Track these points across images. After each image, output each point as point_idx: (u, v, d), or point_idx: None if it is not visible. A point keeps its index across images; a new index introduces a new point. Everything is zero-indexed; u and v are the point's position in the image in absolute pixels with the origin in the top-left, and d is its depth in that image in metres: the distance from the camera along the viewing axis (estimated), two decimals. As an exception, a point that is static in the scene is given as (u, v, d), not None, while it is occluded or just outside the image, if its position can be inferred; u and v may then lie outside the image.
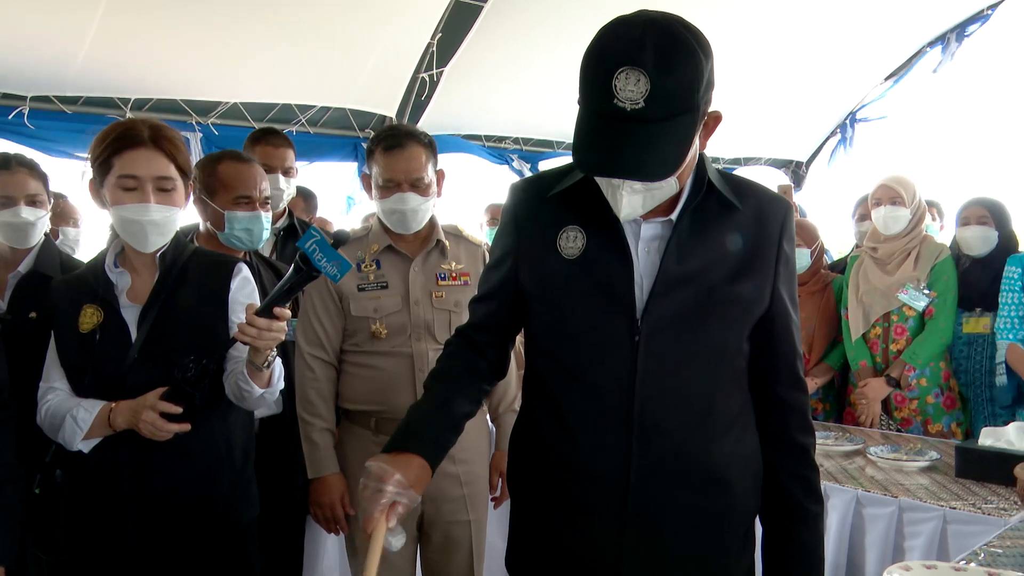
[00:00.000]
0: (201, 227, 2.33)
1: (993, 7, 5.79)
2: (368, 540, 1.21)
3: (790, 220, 1.37)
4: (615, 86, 1.11)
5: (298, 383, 2.19)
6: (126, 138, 1.70)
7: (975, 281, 3.13)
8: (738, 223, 1.32)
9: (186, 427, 1.64)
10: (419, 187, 2.17)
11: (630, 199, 1.22)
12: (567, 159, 1.31)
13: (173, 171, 1.74)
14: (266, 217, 2.29)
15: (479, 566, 2.28)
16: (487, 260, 1.69)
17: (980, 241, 3.16)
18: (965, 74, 6.24)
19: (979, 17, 5.90)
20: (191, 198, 1.84)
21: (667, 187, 1.24)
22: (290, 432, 2.23)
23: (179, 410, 1.64)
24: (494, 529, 2.48)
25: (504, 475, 2.33)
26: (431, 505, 2.20)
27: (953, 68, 6.09)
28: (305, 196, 3.77)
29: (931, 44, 6.12)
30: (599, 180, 1.26)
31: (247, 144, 2.87)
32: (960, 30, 5.95)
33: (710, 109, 1.22)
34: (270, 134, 2.91)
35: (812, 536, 1.41)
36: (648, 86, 1.10)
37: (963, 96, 6.69)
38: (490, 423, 2.46)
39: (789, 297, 1.37)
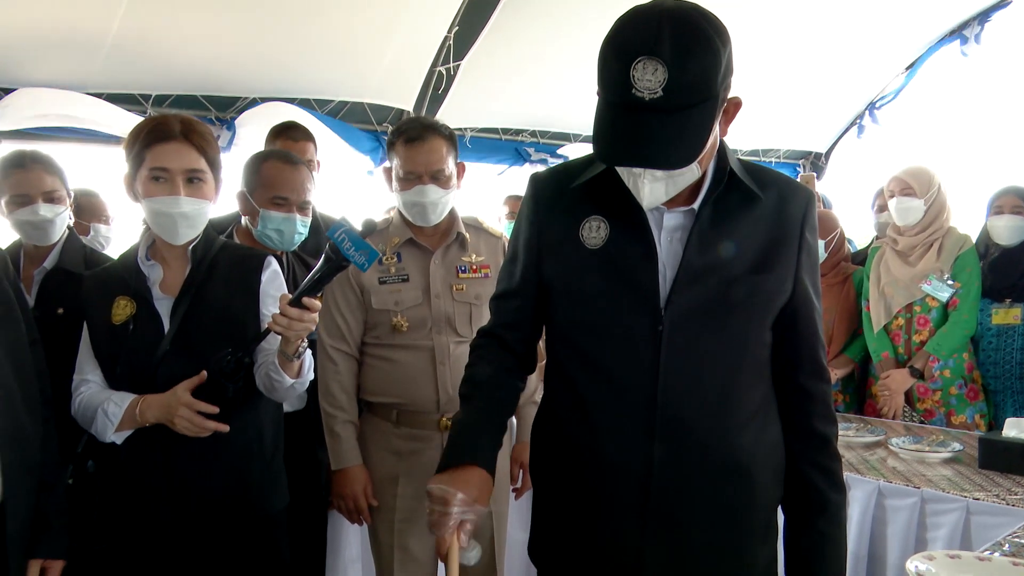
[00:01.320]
0: (242, 221, 2.35)
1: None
2: (445, 561, 1.23)
3: (812, 209, 1.36)
4: (633, 76, 1.11)
5: (320, 376, 2.20)
6: (158, 132, 1.73)
7: (1005, 272, 3.10)
8: (760, 212, 1.32)
9: (224, 428, 1.67)
10: (439, 179, 2.18)
11: (652, 187, 1.23)
12: (583, 150, 1.31)
13: (203, 164, 1.77)
14: (301, 221, 2.27)
15: (500, 556, 2.30)
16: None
17: (1013, 231, 3.11)
18: (987, 61, 6.16)
19: (1002, 4, 5.83)
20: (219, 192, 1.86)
21: (689, 173, 1.24)
22: (314, 426, 2.26)
23: (215, 410, 1.66)
24: (514, 520, 2.50)
25: (525, 466, 2.35)
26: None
27: (974, 55, 6.02)
28: None
29: (952, 33, 6.05)
30: (620, 170, 1.26)
31: (268, 139, 2.89)
32: (982, 18, 5.88)
33: (730, 95, 1.22)
34: (290, 128, 2.91)
35: (834, 526, 1.40)
36: (666, 75, 1.10)
37: (985, 83, 6.61)
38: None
39: (812, 286, 1.37)
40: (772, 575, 1.42)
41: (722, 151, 1.31)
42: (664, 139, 1.14)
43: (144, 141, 1.73)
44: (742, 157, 1.40)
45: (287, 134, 2.85)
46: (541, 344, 1.50)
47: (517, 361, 1.45)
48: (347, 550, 2.71)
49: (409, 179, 2.18)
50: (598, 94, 1.19)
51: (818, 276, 1.40)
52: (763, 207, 1.32)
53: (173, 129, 1.74)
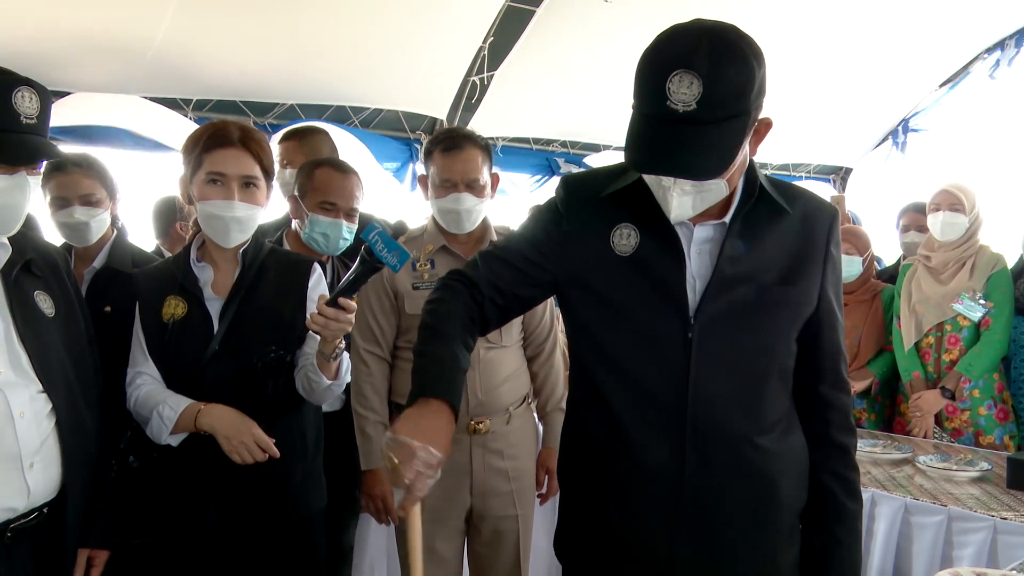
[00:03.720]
0: (293, 225, 2.42)
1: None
2: (407, 528, 1.23)
3: (837, 225, 1.40)
4: (668, 89, 1.15)
5: (353, 378, 2.24)
6: (217, 137, 1.79)
7: None
8: (787, 227, 1.35)
9: (277, 454, 1.72)
10: (474, 188, 2.23)
11: (680, 200, 1.26)
12: (612, 159, 1.34)
13: (258, 171, 1.83)
14: (347, 227, 2.35)
15: (526, 560, 2.33)
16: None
17: None
18: (1020, 81, 6.08)
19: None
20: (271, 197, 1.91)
21: (716, 190, 1.27)
22: (350, 428, 2.30)
23: (272, 443, 1.72)
24: (538, 526, 2.52)
25: (551, 472, 2.37)
26: (480, 500, 2.25)
27: (1011, 75, 5.95)
28: None
29: (988, 51, 5.99)
30: (650, 182, 1.30)
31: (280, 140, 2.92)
32: (1019, 36, 5.82)
33: (761, 115, 1.25)
34: (305, 132, 2.93)
35: (849, 535, 1.44)
36: (701, 89, 1.14)
37: (1019, 104, 6.52)
38: (537, 420, 2.50)
39: (836, 299, 1.40)
40: None
41: (751, 168, 1.34)
42: (696, 150, 1.17)
43: (204, 146, 1.79)
44: (772, 171, 1.43)
45: (299, 137, 2.86)
46: (567, 352, 1.51)
47: (480, 317, 1.39)
48: (373, 547, 2.76)
49: (445, 187, 2.23)
50: (633, 106, 1.23)
51: (840, 289, 1.43)
52: (790, 221, 1.36)
53: (232, 135, 1.80)
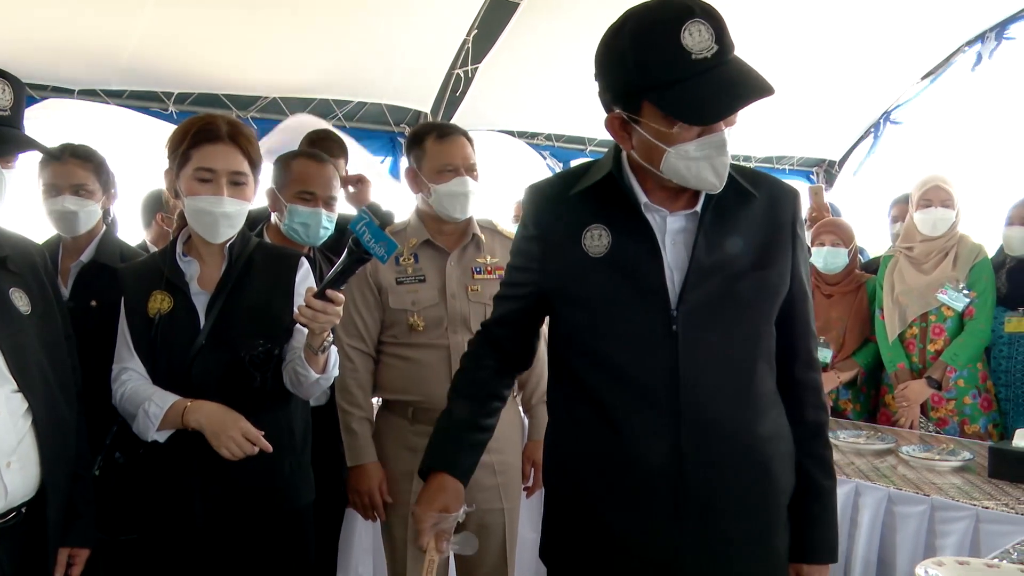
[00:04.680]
0: (272, 218, 2.42)
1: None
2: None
3: (799, 205, 1.43)
4: (686, 45, 1.17)
5: (338, 374, 2.24)
6: (205, 132, 1.77)
7: (1020, 281, 3.11)
8: (755, 211, 1.37)
9: (268, 448, 1.72)
10: (472, 174, 2.25)
11: (720, 161, 1.26)
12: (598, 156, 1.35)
13: (246, 167, 1.81)
14: (327, 216, 2.35)
15: (511, 554, 2.32)
16: None
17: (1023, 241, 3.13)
18: (1004, 74, 6.12)
19: (1020, 16, 5.79)
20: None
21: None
22: (332, 423, 2.29)
23: (261, 436, 1.72)
24: (524, 519, 2.52)
25: (537, 465, 2.37)
26: (466, 493, 2.24)
27: (991, 68, 6.00)
28: None
29: (969, 43, 6.03)
30: (686, 158, 1.25)
31: (302, 144, 2.98)
32: (1000, 29, 5.86)
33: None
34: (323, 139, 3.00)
35: (824, 510, 1.47)
36: (711, 31, 1.18)
37: (1001, 97, 6.57)
38: (522, 413, 2.50)
39: (806, 277, 1.44)
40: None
41: None
42: (747, 73, 1.21)
43: (192, 141, 1.77)
44: (756, 163, 1.45)
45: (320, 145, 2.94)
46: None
47: (506, 361, 1.52)
48: (359, 543, 2.75)
49: (447, 171, 2.23)
50: (654, 88, 1.21)
51: (808, 270, 1.46)
52: (757, 205, 1.38)
53: (221, 131, 1.78)
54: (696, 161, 1.26)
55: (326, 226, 2.36)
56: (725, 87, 1.20)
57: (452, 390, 1.51)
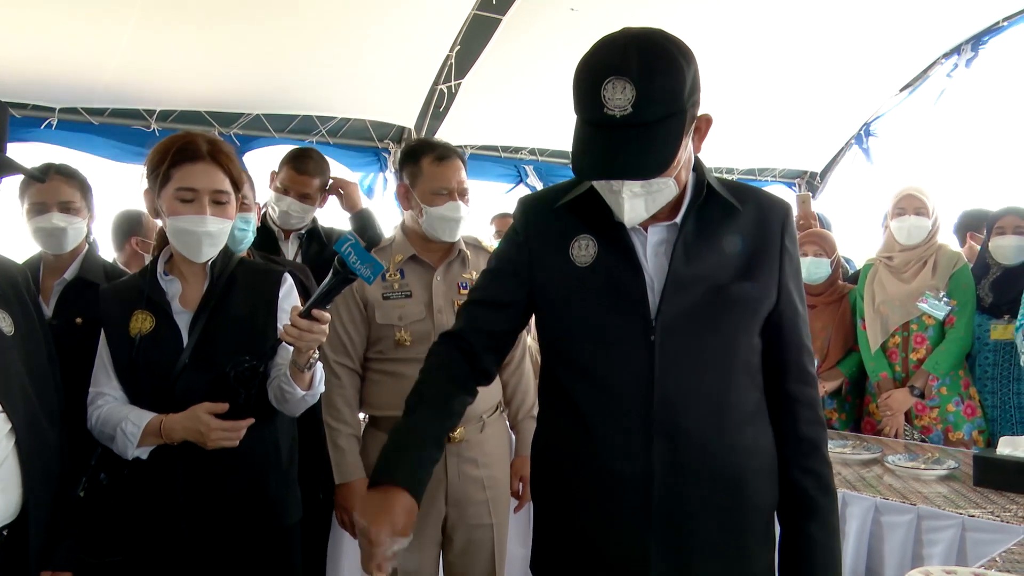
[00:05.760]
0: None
1: (1009, 19, 5.79)
2: None
3: (790, 219, 1.43)
4: (604, 96, 1.19)
5: (324, 390, 2.23)
6: (186, 152, 1.75)
7: (1005, 289, 3.13)
8: (740, 224, 1.38)
9: (250, 420, 1.69)
10: (464, 198, 2.27)
11: (632, 203, 1.29)
12: None
13: (228, 185, 1.80)
14: (242, 218, 2.18)
15: (501, 569, 2.32)
16: None
17: (1016, 251, 3.16)
18: (981, 85, 6.22)
19: (994, 29, 5.90)
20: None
21: (666, 190, 1.30)
22: (318, 439, 2.27)
23: (226, 407, 1.69)
24: (512, 535, 2.51)
25: (525, 480, 2.37)
26: (455, 508, 2.24)
27: (969, 78, 6.09)
28: None
29: (946, 55, 6.12)
30: (601, 189, 1.32)
31: (281, 163, 2.92)
32: (975, 42, 5.95)
33: (701, 112, 1.29)
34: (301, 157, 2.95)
35: (823, 531, 1.42)
36: (634, 93, 1.18)
37: (979, 107, 6.67)
38: (510, 429, 2.49)
39: (796, 292, 1.42)
40: None
41: (699, 167, 1.38)
42: (636, 151, 1.21)
43: (172, 160, 1.75)
44: (738, 176, 1.46)
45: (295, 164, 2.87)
46: (538, 359, 1.53)
47: (473, 372, 1.44)
48: (347, 561, 2.72)
49: (441, 194, 2.24)
50: (576, 116, 1.26)
51: (801, 282, 1.45)
52: (743, 219, 1.38)
53: (201, 149, 1.76)
54: (610, 194, 1.31)
55: (242, 227, 2.23)
56: (604, 151, 1.22)
57: (417, 397, 1.40)
